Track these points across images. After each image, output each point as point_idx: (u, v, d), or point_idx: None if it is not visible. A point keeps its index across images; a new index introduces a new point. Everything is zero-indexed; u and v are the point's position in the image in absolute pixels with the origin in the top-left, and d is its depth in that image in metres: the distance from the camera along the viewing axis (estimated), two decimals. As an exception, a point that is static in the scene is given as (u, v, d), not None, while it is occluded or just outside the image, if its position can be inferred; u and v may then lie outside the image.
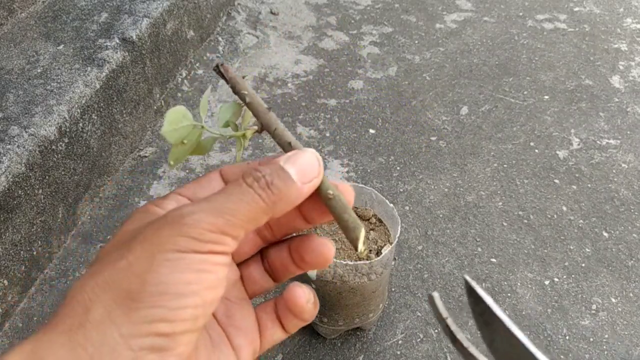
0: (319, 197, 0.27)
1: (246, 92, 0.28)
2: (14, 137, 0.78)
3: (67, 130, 0.85)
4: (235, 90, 0.29)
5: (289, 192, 0.25)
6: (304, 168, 0.26)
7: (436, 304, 0.29)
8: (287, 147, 0.28)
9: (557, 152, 1.08)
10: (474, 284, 0.27)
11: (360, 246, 0.28)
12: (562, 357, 0.76)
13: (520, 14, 1.50)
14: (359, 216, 0.66)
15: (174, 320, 0.22)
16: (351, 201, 0.28)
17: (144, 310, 0.21)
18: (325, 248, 0.28)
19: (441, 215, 0.95)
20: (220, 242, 0.23)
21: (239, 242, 0.24)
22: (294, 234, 0.30)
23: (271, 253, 0.30)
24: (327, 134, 1.11)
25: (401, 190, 1.00)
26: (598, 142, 1.11)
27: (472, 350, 0.27)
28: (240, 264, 0.30)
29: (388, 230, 0.73)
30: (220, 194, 0.24)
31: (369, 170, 1.03)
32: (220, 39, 1.34)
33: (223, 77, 0.29)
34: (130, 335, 0.21)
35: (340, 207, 0.27)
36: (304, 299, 0.28)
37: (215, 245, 0.23)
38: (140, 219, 0.26)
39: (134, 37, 1.00)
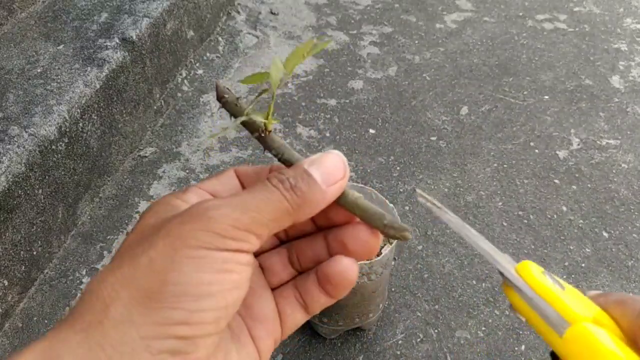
0: (341, 201, 0.26)
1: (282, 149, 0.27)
2: (14, 137, 0.78)
3: (67, 130, 0.85)
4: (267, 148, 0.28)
5: (313, 195, 0.24)
6: (329, 170, 0.25)
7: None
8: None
9: (557, 152, 1.08)
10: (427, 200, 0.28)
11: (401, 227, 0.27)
12: (562, 357, 0.76)
13: (520, 14, 1.50)
14: None
15: (194, 323, 0.21)
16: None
17: (163, 311, 0.20)
18: (372, 238, 0.27)
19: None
20: (244, 240, 0.23)
21: (262, 242, 0.24)
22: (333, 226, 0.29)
23: (302, 244, 0.29)
24: (327, 134, 1.11)
25: (401, 190, 1.00)
26: (598, 142, 1.11)
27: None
28: (259, 255, 0.29)
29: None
30: (246, 192, 0.24)
31: (368, 170, 1.03)
32: (220, 39, 1.34)
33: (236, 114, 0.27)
34: (149, 337, 0.20)
35: (367, 205, 0.27)
36: (355, 271, 0.27)
37: (239, 242, 0.22)
38: (161, 211, 0.25)
39: (134, 37, 1.00)
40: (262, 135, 0.28)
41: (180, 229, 0.22)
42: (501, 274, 0.26)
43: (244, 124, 0.28)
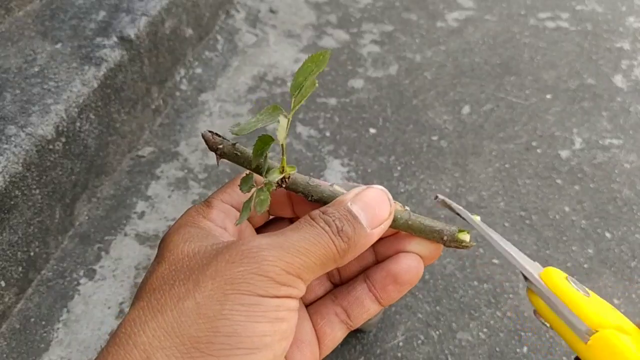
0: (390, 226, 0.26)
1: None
2: (11, 136, 0.77)
3: (65, 129, 0.84)
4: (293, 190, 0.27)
5: (358, 239, 0.23)
6: (374, 211, 0.24)
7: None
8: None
9: (560, 152, 1.07)
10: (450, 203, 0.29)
11: (466, 237, 0.26)
12: (564, 358, 0.76)
13: (522, 12, 1.49)
14: None
15: None
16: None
17: None
18: (435, 248, 0.26)
19: (442, 216, 0.94)
20: (293, 286, 0.21)
21: (306, 287, 0.22)
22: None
23: None
24: (328, 134, 1.10)
25: (402, 190, 0.99)
26: (600, 141, 1.10)
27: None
28: None
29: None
30: (293, 231, 0.22)
31: (369, 170, 1.02)
32: (219, 37, 1.34)
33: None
34: None
35: (421, 224, 0.26)
36: (422, 265, 0.26)
37: (289, 289, 0.21)
38: (192, 236, 0.23)
39: (132, 35, 0.99)
40: (283, 185, 0.26)
41: (231, 270, 0.20)
42: (526, 278, 0.26)
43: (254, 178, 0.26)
